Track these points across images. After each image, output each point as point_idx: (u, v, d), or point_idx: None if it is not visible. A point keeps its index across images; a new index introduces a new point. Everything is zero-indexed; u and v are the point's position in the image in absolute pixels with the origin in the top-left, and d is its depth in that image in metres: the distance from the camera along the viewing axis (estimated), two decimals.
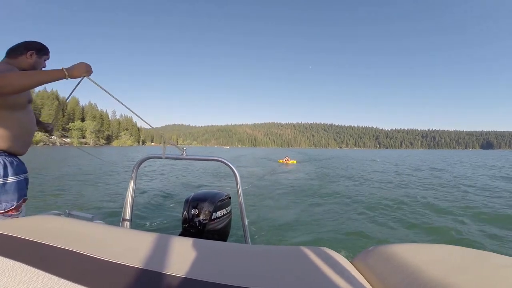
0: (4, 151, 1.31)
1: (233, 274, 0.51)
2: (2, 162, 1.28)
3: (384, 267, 0.55)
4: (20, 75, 1.19)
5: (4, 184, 1.28)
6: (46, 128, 1.75)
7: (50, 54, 1.52)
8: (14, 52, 1.38)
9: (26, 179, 1.43)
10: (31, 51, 1.40)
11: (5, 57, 1.38)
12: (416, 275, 0.48)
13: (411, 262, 0.52)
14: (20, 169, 1.37)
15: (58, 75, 1.25)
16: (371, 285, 0.52)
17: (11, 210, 1.31)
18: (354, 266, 0.60)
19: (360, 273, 0.57)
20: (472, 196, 6.84)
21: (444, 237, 3.81)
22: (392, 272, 0.52)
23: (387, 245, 0.64)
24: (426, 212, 5.11)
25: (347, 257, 0.63)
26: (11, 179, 1.31)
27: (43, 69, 1.48)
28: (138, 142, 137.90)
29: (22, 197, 1.38)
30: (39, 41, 1.48)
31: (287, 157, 20.40)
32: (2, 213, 1.28)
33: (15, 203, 1.32)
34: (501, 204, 5.90)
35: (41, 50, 1.45)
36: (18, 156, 1.41)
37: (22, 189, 1.38)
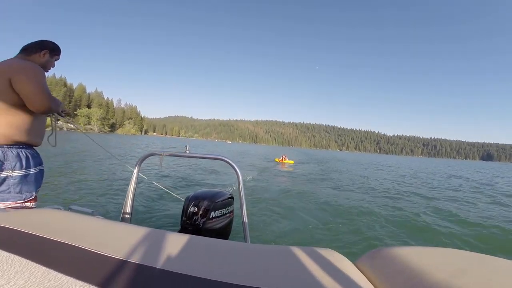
0: (24, 144, 1.35)
1: (231, 271, 0.50)
2: (24, 154, 1.33)
3: (387, 269, 0.55)
4: (54, 101, 1.33)
5: (27, 175, 1.33)
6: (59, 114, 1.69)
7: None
8: (29, 49, 1.41)
9: (42, 171, 1.48)
10: (45, 51, 1.44)
11: (20, 53, 1.41)
12: (419, 278, 0.48)
13: (414, 265, 0.52)
14: (38, 161, 1.42)
15: (59, 109, 1.43)
16: (374, 287, 0.52)
17: (30, 200, 1.36)
18: (357, 268, 0.60)
19: (363, 274, 0.57)
20: (475, 201, 6.84)
21: (446, 241, 3.84)
22: (395, 275, 0.52)
23: (391, 247, 0.64)
24: (429, 216, 5.17)
25: (350, 259, 0.62)
26: (32, 170, 1.36)
27: (51, 69, 1.56)
28: (141, 132, 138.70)
29: (39, 187, 1.44)
30: (53, 41, 1.51)
31: (284, 156, 18.90)
32: (22, 202, 1.33)
33: (33, 193, 1.37)
34: (504, 211, 6.03)
35: (53, 50, 1.50)
36: (35, 147, 1.45)
37: (39, 180, 1.43)
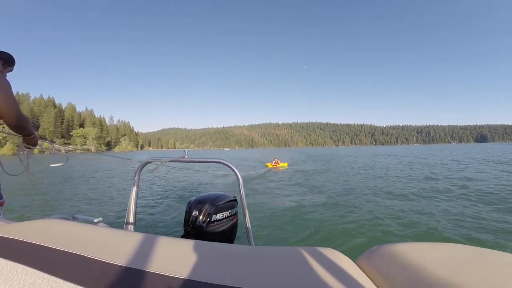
0: None
1: (235, 275, 0.51)
2: None
3: (388, 266, 0.55)
4: (21, 115, 1.30)
5: None
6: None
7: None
8: None
9: None
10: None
11: None
12: (420, 274, 0.48)
13: (415, 261, 0.53)
14: None
15: (31, 134, 1.42)
16: (375, 285, 0.52)
17: None
18: (358, 266, 0.60)
19: (364, 273, 0.57)
20: (475, 194, 6.70)
21: (447, 236, 3.82)
22: (396, 272, 0.52)
23: (391, 244, 0.64)
24: (429, 211, 5.12)
25: (351, 257, 0.63)
26: None
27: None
28: (137, 147, 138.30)
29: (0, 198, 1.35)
30: (8, 52, 1.52)
31: (276, 159, 17.20)
32: None
33: None
34: (504, 201, 5.77)
35: (7, 61, 1.50)
36: None
37: None
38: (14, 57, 1.56)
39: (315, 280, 0.49)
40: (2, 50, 1.49)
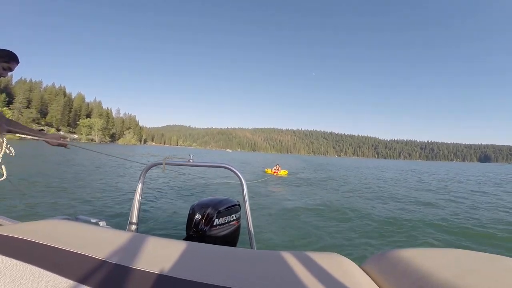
0: None
1: (238, 278, 0.51)
2: None
3: (394, 271, 0.55)
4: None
5: None
6: None
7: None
8: None
9: None
10: None
11: None
12: (426, 279, 0.48)
13: (421, 267, 0.53)
14: None
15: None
16: None
17: None
18: (364, 271, 0.60)
19: (370, 278, 0.57)
20: (477, 202, 6.98)
21: (452, 241, 3.91)
22: (402, 277, 0.52)
23: (397, 249, 0.64)
24: (433, 217, 5.31)
25: (356, 262, 0.63)
26: None
27: None
28: (140, 141, 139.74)
29: None
30: (11, 50, 1.43)
31: (277, 166, 16.38)
32: None
33: None
34: (504, 210, 6.14)
35: (3, 57, 1.41)
36: None
37: None
38: (17, 55, 1.44)
39: (320, 285, 0.49)
40: (3, 48, 1.41)
